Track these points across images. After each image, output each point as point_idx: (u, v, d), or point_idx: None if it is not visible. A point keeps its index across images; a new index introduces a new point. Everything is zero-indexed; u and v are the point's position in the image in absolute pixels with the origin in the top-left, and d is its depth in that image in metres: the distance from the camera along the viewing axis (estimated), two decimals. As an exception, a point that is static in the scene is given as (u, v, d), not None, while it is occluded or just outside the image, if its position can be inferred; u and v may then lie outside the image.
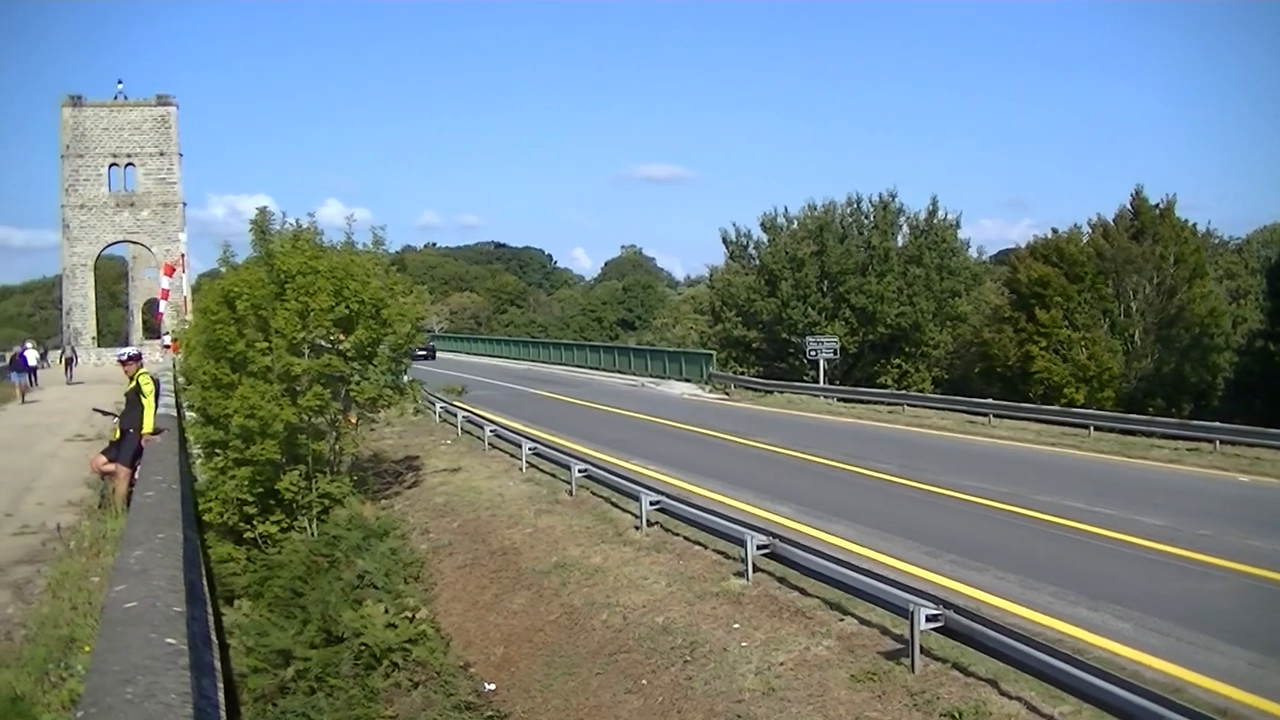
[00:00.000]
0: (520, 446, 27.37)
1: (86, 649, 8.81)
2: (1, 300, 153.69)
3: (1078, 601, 13.31)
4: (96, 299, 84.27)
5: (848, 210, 58.43)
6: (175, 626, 6.36)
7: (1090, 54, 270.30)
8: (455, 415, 35.53)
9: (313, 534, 23.59)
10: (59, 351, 66.34)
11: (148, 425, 16.26)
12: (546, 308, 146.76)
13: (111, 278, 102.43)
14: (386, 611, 17.12)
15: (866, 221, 57.87)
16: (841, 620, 13.17)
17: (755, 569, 15.20)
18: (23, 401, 41.48)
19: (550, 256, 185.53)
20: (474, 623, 17.45)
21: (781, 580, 14.88)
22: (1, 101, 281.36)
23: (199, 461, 24.36)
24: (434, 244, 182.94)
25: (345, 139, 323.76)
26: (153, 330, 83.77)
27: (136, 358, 17.54)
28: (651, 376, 56.23)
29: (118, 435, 16.56)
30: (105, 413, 19.88)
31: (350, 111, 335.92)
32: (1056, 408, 39.20)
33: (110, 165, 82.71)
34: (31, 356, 57.78)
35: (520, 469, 26.61)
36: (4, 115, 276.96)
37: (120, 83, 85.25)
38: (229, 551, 21.89)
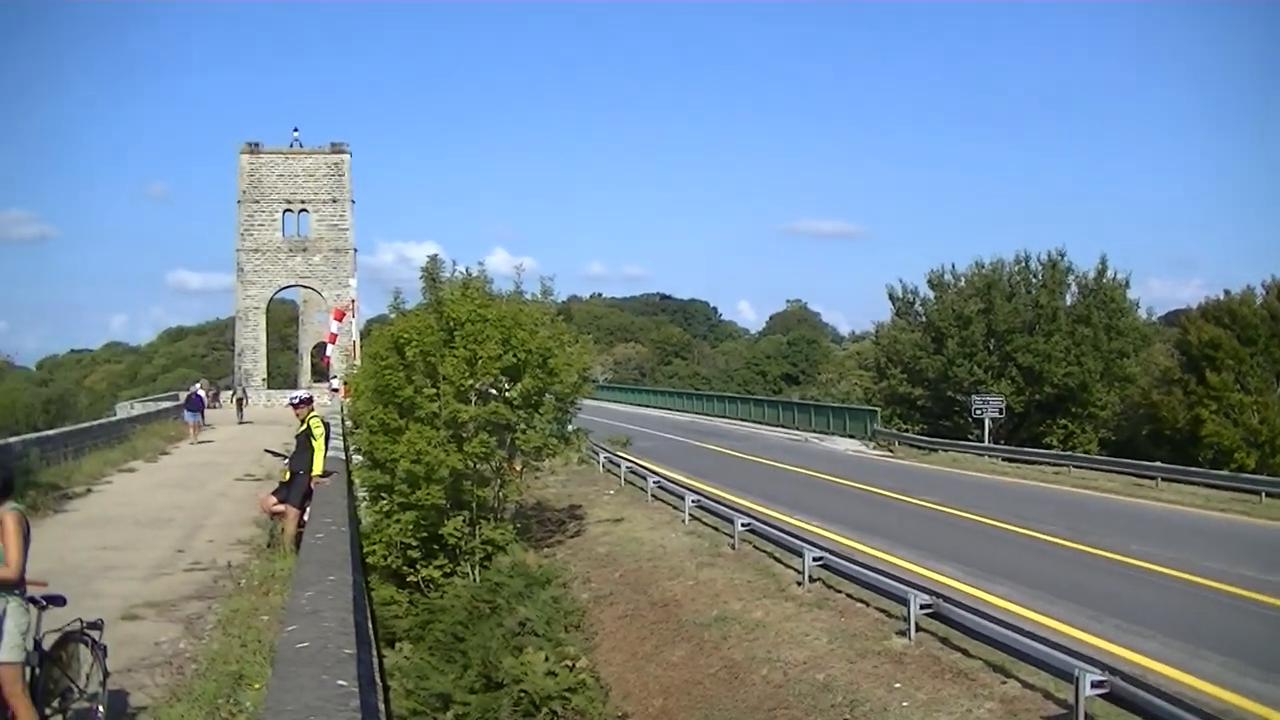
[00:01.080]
0: (683, 499, 27.51)
1: (256, 686, 9.19)
2: (177, 341, 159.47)
3: (1246, 672, 13.01)
4: (268, 341, 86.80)
5: (1016, 268, 57.52)
6: (346, 669, 6.52)
7: (1253, 114, 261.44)
8: (619, 466, 35.88)
9: (475, 579, 23.91)
10: (230, 392, 68.48)
11: (317, 468, 16.71)
12: (710, 360, 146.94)
13: (282, 321, 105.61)
14: (547, 659, 17.29)
15: (1034, 280, 56.85)
16: (1004, 683, 13.06)
17: (918, 628, 15.15)
18: (194, 441, 42.39)
19: (715, 309, 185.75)
20: (633, 673, 17.58)
21: (944, 640, 14.80)
22: (181, 149, 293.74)
23: (364, 504, 24.90)
24: (600, 294, 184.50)
25: (513, 188, 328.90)
26: (321, 374, 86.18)
27: (308, 401, 18.01)
28: (815, 432, 56.00)
29: (287, 477, 17.04)
30: (276, 454, 20.47)
31: (518, 161, 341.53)
32: (1226, 472, 37.87)
33: (284, 211, 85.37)
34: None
35: (683, 521, 26.75)
36: (183, 162, 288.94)
37: (296, 130, 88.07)
38: (391, 594, 22.35)
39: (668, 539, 24.95)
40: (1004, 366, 54.16)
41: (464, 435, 25.02)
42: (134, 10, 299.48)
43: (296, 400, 18.14)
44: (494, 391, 26.11)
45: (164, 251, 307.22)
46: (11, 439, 34.69)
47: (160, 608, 14.14)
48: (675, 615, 18.90)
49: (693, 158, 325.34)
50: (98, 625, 9.00)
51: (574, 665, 17.50)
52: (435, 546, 24.58)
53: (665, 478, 31.57)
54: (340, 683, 6.08)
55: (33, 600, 8.10)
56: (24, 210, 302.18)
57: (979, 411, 47.35)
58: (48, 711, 8.23)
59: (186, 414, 44.85)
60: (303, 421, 17.30)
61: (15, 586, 7.84)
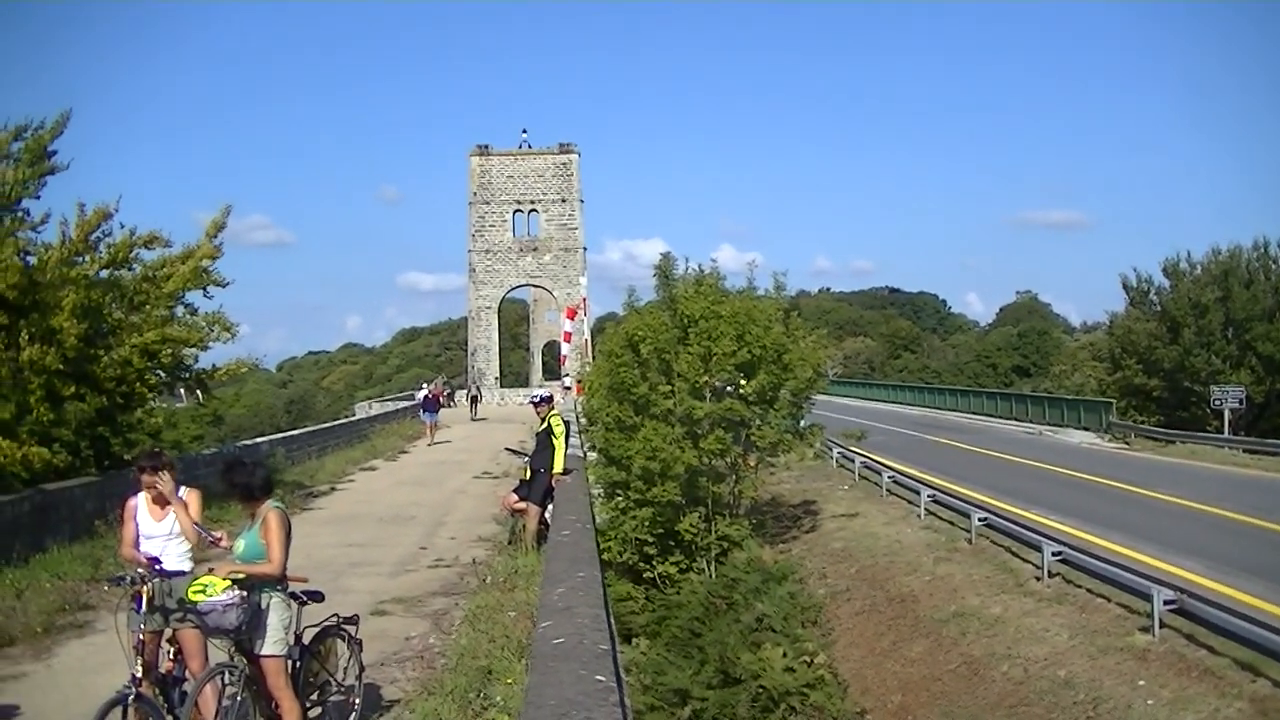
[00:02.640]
0: (918, 493, 27.53)
1: (508, 681, 9.52)
2: (410, 341, 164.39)
3: None
4: (499, 340, 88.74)
5: (1254, 255, 55.09)
6: (603, 664, 6.64)
7: None
8: (852, 461, 35.84)
9: (711, 575, 24.17)
10: (464, 391, 70.24)
11: (558, 465, 16.98)
12: (940, 353, 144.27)
13: (513, 320, 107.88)
14: (785, 655, 17.42)
15: (1274, 266, 54.37)
16: (1254, 681, 12.80)
17: (1161, 624, 14.89)
18: (433, 442, 43.46)
19: (943, 301, 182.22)
20: (871, 669, 17.66)
21: (1189, 637, 14.56)
22: (411, 153, 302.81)
23: (599, 501, 25.30)
24: (827, 289, 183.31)
25: (739, 185, 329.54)
26: (552, 372, 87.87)
27: (549, 400, 18.30)
28: (1048, 424, 54.71)
29: (528, 475, 17.34)
30: (516, 452, 20.84)
31: (744, 158, 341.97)
32: None
33: (515, 211, 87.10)
34: (423, 393, 61.66)
35: (918, 516, 26.72)
36: (413, 166, 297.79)
37: (525, 132, 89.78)
38: (628, 590, 22.75)
39: (903, 534, 24.93)
40: (1243, 356, 51.94)
41: (699, 432, 25.35)
42: (367, 19, 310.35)
43: (538, 399, 18.42)
44: (728, 388, 26.33)
45: (396, 253, 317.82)
46: (259, 439, 36.53)
47: (407, 603, 14.68)
48: (913, 611, 18.92)
49: (918, 150, 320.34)
50: (353, 620, 9.41)
51: (812, 661, 17.59)
52: (671, 543, 24.91)
53: (899, 472, 31.48)
54: (599, 678, 6.19)
55: (293, 596, 8.49)
56: (263, 216, 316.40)
57: (1218, 402, 45.79)
58: (307, 704, 8.63)
59: (424, 414, 45.83)
60: (543, 420, 17.59)
61: (278, 582, 8.20)
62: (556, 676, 6.28)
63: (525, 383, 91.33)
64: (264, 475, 8.47)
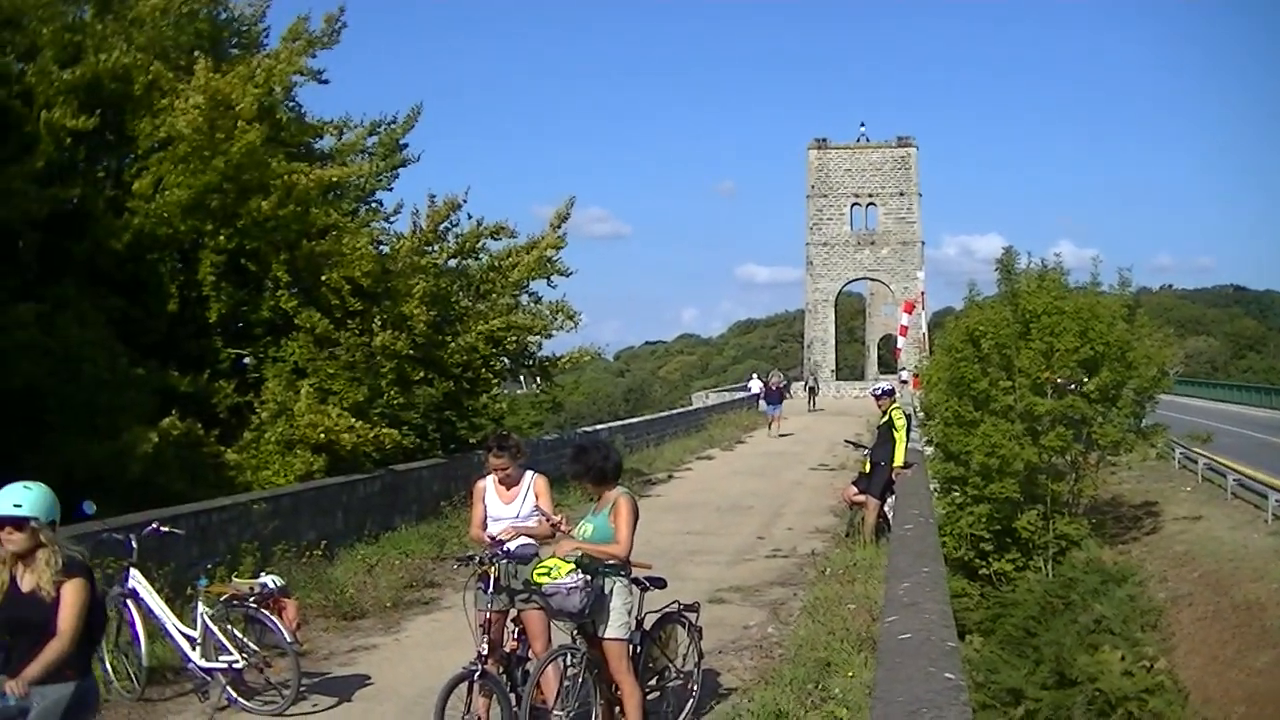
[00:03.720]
0: (1266, 497, 25.72)
1: (848, 674, 9.25)
2: (746, 333, 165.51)
3: None
4: (835, 334, 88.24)
5: None
6: (951, 661, 6.35)
7: None
8: (1195, 462, 33.84)
9: (1048, 574, 23.59)
10: (800, 383, 69.98)
11: (899, 459, 16.56)
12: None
13: (849, 313, 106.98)
14: (1123, 658, 16.76)
15: None
16: None
17: None
18: (777, 434, 42.55)
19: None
20: (1213, 678, 16.62)
21: None
22: (747, 147, 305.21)
23: (935, 496, 24.79)
24: (1169, 285, 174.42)
25: (1076, 180, 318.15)
26: (888, 366, 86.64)
27: (890, 393, 17.94)
28: None
29: (867, 468, 17.02)
30: (856, 445, 20.60)
31: (1082, 152, 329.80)
32: None
33: (852, 205, 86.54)
34: (755, 385, 61.42)
35: (1265, 521, 25.02)
36: (748, 160, 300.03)
37: (862, 125, 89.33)
38: (963, 586, 22.28)
39: (1249, 539, 23.42)
40: None
41: (1039, 428, 24.80)
42: (705, 15, 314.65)
43: (879, 391, 18.09)
44: (1070, 385, 25.53)
45: (732, 246, 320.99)
46: (599, 426, 37.20)
47: (745, 592, 14.51)
48: (1259, 619, 17.66)
49: (1261, 142, 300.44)
50: (694, 608, 9.25)
51: (1151, 666, 16.87)
52: (1007, 540, 24.46)
53: (1245, 475, 29.38)
54: (948, 675, 5.95)
55: (636, 581, 8.39)
56: (601, 209, 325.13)
57: None
58: (647, 689, 8.54)
59: (768, 406, 45.40)
60: (884, 413, 17.23)
61: (622, 567, 8.12)
62: (904, 672, 6.04)
63: (860, 376, 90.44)
64: (616, 460, 8.45)
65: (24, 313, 13.89)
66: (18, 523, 5.65)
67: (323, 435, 16.78)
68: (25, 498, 5.70)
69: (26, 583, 5.72)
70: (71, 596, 5.65)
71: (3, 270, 14.65)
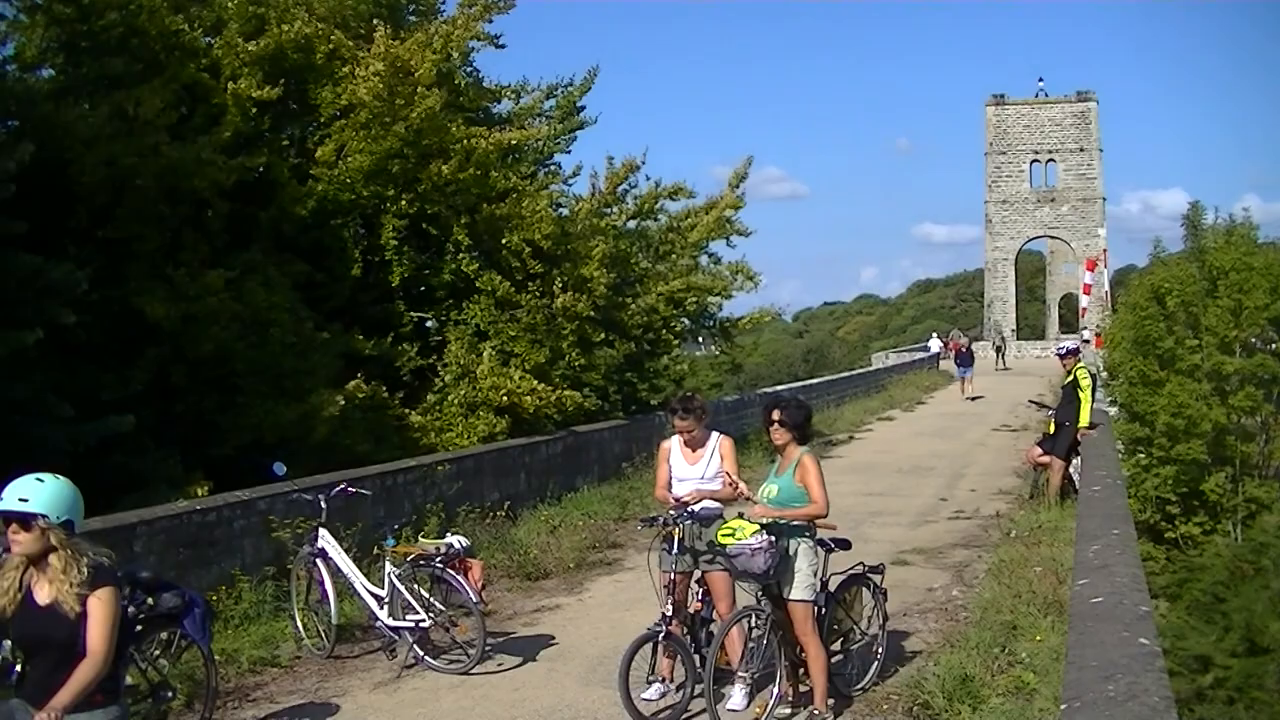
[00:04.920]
0: None
1: (1035, 637, 8.88)
2: (925, 293, 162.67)
3: None
4: (1016, 293, 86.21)
5: None
6: (1145, 626, 6.04)
7: None
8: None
9: (1237, 539, 22.68)
10: (986, 343, 68.31)
11: (1084, 419, 15.91)
12: None
13: (1028, 272, 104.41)
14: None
15: None
16: None
17: None
18: (970, 396, 41.03)
19: None
20: None
21: None
22: (923, 104, 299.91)
23: (1119, 458, 24.04)
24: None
25: (1265, 131, 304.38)
26: (1069, 325, 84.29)
27: (1075, 352, 17.33)
28: None
29: (1052, 428, 16.46)
30: (1040, 405, 20.00)
31: (1268, 101, 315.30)
32: None
33: (1031, 161, 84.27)
34: (934, 344, 60.07)
35: None
36: (925, 117, 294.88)
37: (1041, 80, 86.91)
38: (1148, 550, 21.54)
39: None
40: None
41: (1227, 389, 23.79)
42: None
43: (1063, 350, 17.51)
44: (1260, 343, 24.52)
45: (909, 205, 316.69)
46: (779, 387, 36.75)
47: (928, 554, 14.20)
48: None
49: None
50: (879, 569, 9.08)
51: None
52: (1194, 503, 23.81)
53: None
54: (1142, 641, 5.65)
55: (821, 543, 8.23)
56: (778, 169, 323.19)
57: None
58: (831, 650, 8.37)
59: (958, 369, 44.00)
60: (1069, 372, 16.58)
61: (807, 528, 8.00)
62: (1096, 637, 5.77)
63: (1040, 336, 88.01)
64: (806, 415, 8.36)
65: (214, 279, 14.03)
66: (23, 520, 4.80)
67: (505, 397, 16.79)
68: (34, 491, 4.83)
69: (44, 594, 4.86)
70: (101, 611, 4.81)
71: (193, 238, 14.80)
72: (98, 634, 4.77)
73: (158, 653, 7.84)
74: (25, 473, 4.93)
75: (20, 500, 4.78)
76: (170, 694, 7.75)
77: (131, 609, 7.24)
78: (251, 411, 14.32)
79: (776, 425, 8.12)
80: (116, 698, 5.08)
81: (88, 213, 13.78)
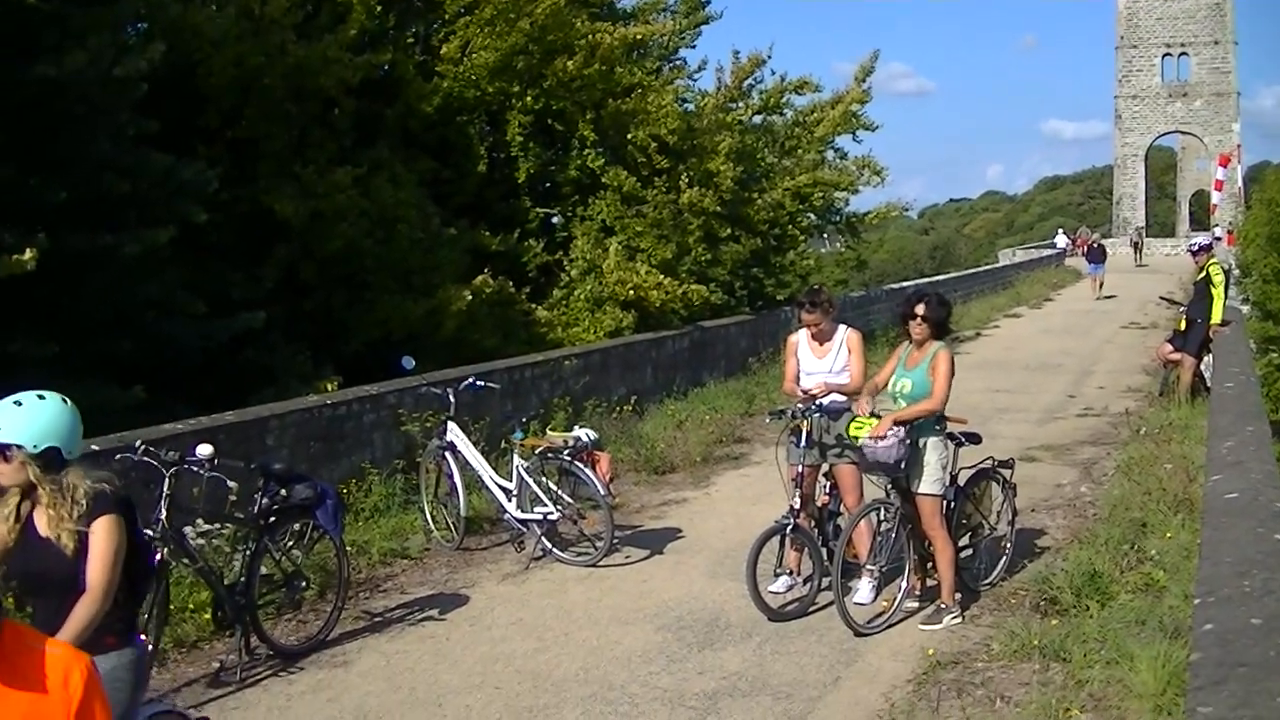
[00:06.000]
0: None
1: (1165, 535, 8.62)
2: (1052, 190, 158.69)
3: None
4: (1145, 189, 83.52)
5: None
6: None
7: None
8: None
9: None
10: (1117, 239, 66.27)
11: (1216, 315, 15.35)
12: None
13: (1159, 168, 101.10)
14: None
15: None
16: None
17: None
18: (1100, 296, 38.98)
19: None
20: None
21: None
22: None
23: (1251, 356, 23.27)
24: None
25: None
26: (1200, 223, 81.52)
27: (1208, 247, 16.80)
28: None
29: (1182, 325, 15.91)
30: (1172, 302, 19.26)
31: None
32: None
33: (1163, 55, 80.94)
34: (1061, 241, 58.37)
35: None
36: (1053, 12, 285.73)
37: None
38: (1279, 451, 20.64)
39: None
40: None
41: None
42: None
43: (1195, 247, 17.03)
44: None
45: (1037, 101, 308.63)
46: (905, 284, 36.00)
47: (1056, 451, 13.86)
48: None
49: None
50: (1008, 464, 8.85)
51: None
52: None
53: None
54: (1278, 537, 5.39)
55: (951, 437, 8.04)
56: (904, 65, 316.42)
57: None
58: (959, 545, 8.21)
59: (1090, 266, 42.36)
60: (1201, 268, 16.08)
61: (936, 422, 7.81)
62: (1231, 534, 5.53)
63: (1170, 233, 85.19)
64: (950, 315, 8.25)
65: (341, 177, 13.96)
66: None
67: (631, 292, 16.76)
68: (9, 417, 4.04)
69: (44, 526, 4.16)
70: (100, 543, 4.12)
71: (320, 136, 14.74)
72: (96, 568, 4.12)
73: (291, 544, 7.86)
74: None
75: None
76: (304, 584, 7.85)
77: (265, 500, 7.40)
78: (379, 307, 14.37)
79: (918, 320, 7.89)
80: (131, 640, 4.42)
81: (217, 113, 13.74)
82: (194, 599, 7.80)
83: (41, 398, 4.11)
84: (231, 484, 7.72)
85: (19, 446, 4.03)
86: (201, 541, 7.69)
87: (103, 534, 4.13)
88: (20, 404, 4.06)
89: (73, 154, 10.79)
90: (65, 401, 4.16)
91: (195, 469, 7.14)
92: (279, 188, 13.64)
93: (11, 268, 8.86)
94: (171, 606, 7.32)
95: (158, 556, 6.61)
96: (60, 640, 3.01)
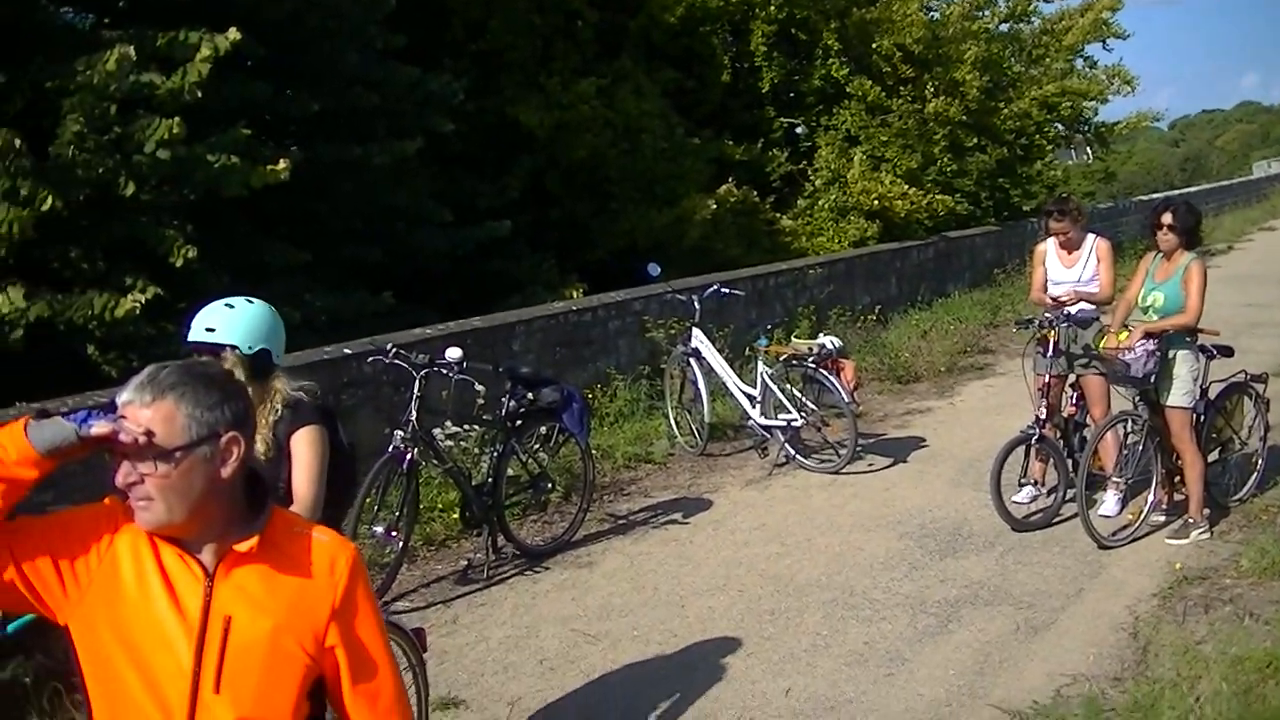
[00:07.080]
0: None
1: None
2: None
3: None
4: None
5: None
6: None
7: None
8: None
9: None
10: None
11: None
12: None
13: None
14: None
15: None
16: None
17: None
18: None
19: None
20: None
21: None
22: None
23: None
24: None
25: None
26: None
27: None
28: None
29: None
30: None
31: None
32: None
33: None
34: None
35: None
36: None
37: None
38: None
39: None
40: None
41: None
42: None
43: None
44: None
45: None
46: (1154, 196, 34.10)
47: None
48: None
49: None
50: (1262, 379, 8.27)
51: None
52: None
53: None
54: None
55: (1202, 349, 7.50)
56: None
57: None
58: (1208, 459, 7.70)
59: None
60: None
61: (1188, 334, 7.33)
62: None
63: None
64: (1200, 223, 7.63)
65: (585, 87, 13.81)
66: (212, 351, 3.80)
67: (876, 202, 16.28)
68: (223, 319, 3.85)
69: None
70: (305, 453, 3.87)
71: (564, 48, 14.58)
72: (301, 478, 3.86)
73: (537, 446, 7.75)
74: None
75: (207, 330, 3.86)
76: (550, 485, 7.78)
77: (512, 403, 7.30)
78: (624, 217, 14.28)
79: (1166, 230, 7.34)
80: None
81: (462, 26, 13.78)
82: (443, 499, 7.79)
83: (251, 301, 3.93)
84: (480, 387, 7.66)
85: (234, 348, 3.82)
86: (450, 443, 7.66)
87: (306, 446, 3.88)
88: (232, 306, 3.89)
89: (324, 68, 10.85)
90: (269, 307, 3.99)
91: (444, 372, 7.06)
92: (524, 99, 13.61)
93: (267, 178, 8.85)
94: (421, 506, 7.32)
95: (408, 457, 6.61)
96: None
